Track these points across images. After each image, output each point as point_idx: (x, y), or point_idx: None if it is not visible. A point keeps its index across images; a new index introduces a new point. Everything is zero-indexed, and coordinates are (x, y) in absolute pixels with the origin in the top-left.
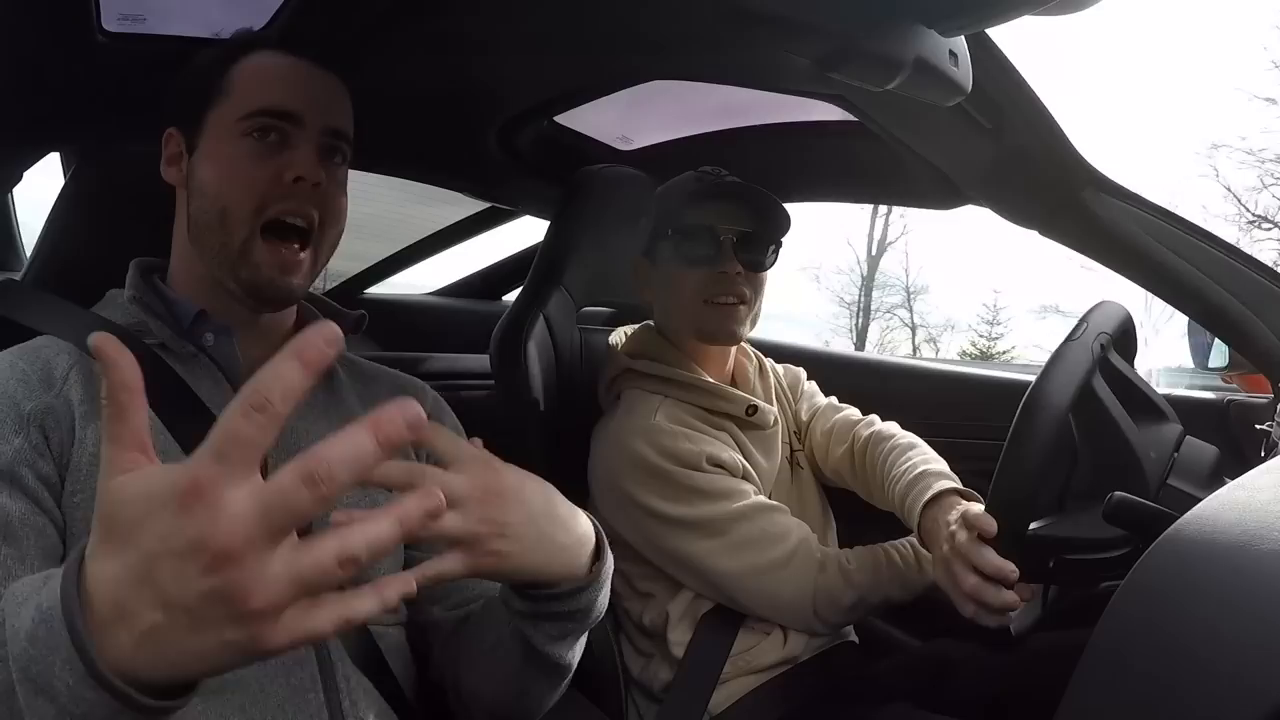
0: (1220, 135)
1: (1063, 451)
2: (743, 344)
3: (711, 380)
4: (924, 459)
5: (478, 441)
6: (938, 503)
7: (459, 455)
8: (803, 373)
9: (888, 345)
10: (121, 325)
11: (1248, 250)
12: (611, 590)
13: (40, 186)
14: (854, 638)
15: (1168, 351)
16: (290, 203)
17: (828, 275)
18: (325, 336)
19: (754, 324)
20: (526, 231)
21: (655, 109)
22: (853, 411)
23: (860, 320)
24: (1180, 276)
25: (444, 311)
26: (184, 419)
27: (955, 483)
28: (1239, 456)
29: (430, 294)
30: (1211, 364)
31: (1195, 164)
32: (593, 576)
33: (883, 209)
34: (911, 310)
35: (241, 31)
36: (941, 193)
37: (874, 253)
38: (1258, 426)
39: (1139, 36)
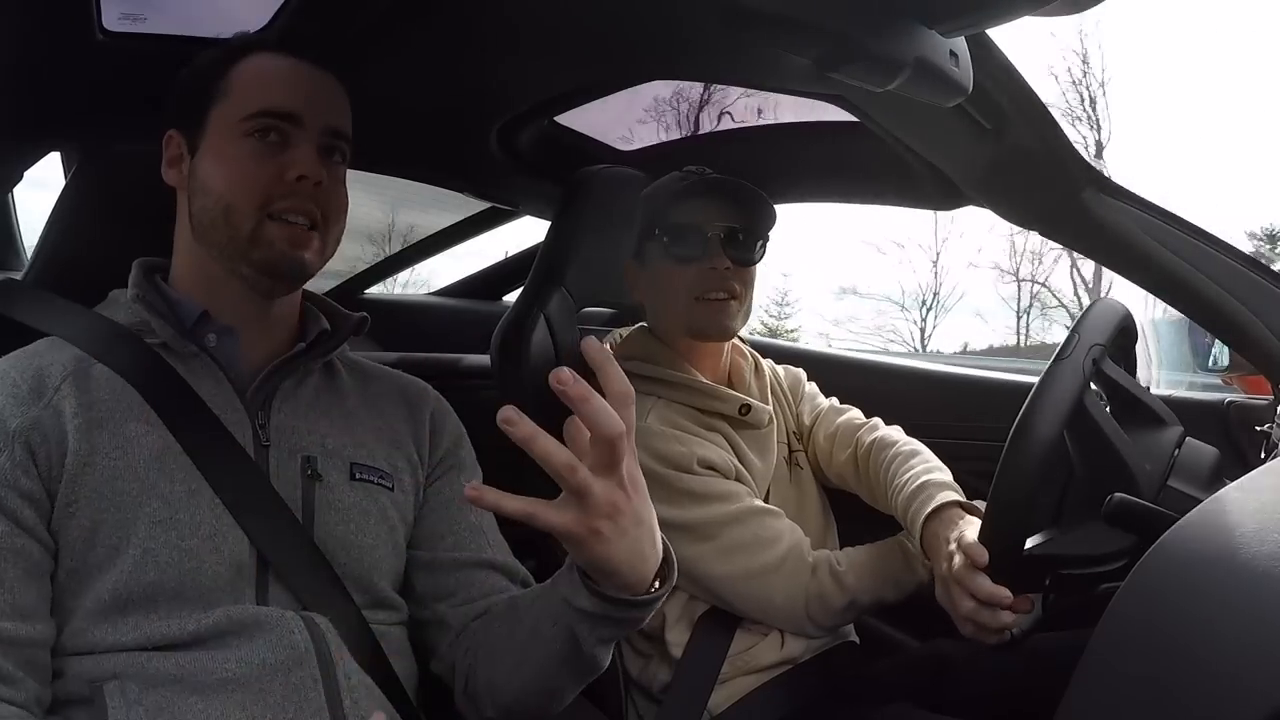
0: None
1: (1056, 468)
2: (739, 343)
3: (704, 380)
4: (926, 468)
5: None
6: (939, 516)
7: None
8: (803, 374)
9: None
10: (123, 325)
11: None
12: None
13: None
14: (854, 638)
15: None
16: (292, 201)
17: None
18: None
19: (745, 319)
20: (527, 231)
21: (655, 109)
22: (855, 414)
23: None
24: (1181, 277)
25: (445, 312)
26: (185, 418)
27: (957, 493)
28: (1239, 458)
29: (431, 294)
30: (1211, 365)
31: None
32: (661, 590)
33: None
34: None
35: (241, 33)
36: (942, 193)
37: None
38: (1258, 428)
39: None
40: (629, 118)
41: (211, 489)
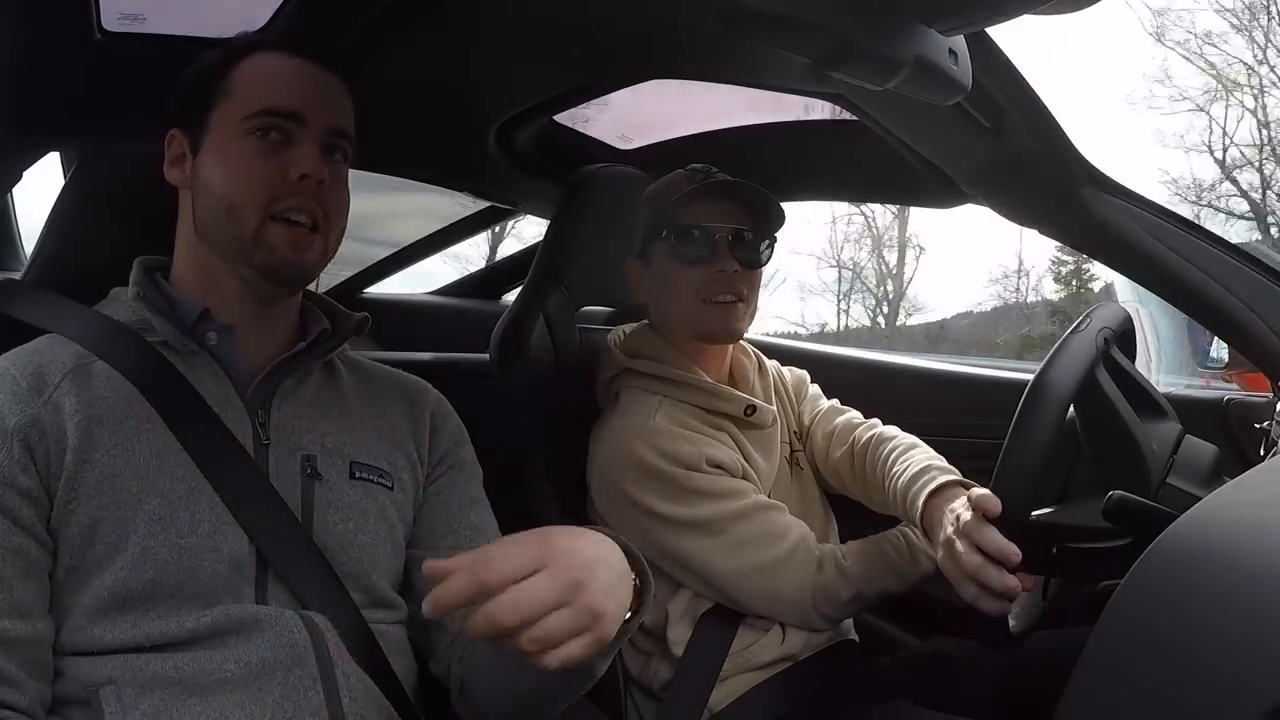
0: None
1: (1066, 442)
2: (741, 343)
3: (710, 380)
4: (926, 456)
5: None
6: (941, 493)
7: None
8: (807, 375)
9: None
10: (124, 323)
11: None
12: None
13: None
14: (854, 635)
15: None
16: (295, 200)
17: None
18: None
19: (751, 320)
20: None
21: (655, 108)
22: (855, 415)
23: None
24: (1180, 275)
25: (444, 311)
26: (185, 416)
27: (959, 476)
28: (1239, 455)
29: (431, 293)
30: (1210, 363)
31: None
32: (644, 599)
33: None
34: None
35: (242, 33)
36: (941, 192)
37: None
38: (1257, 425)
39: None
40: (629, 117)
41: (211, 487)
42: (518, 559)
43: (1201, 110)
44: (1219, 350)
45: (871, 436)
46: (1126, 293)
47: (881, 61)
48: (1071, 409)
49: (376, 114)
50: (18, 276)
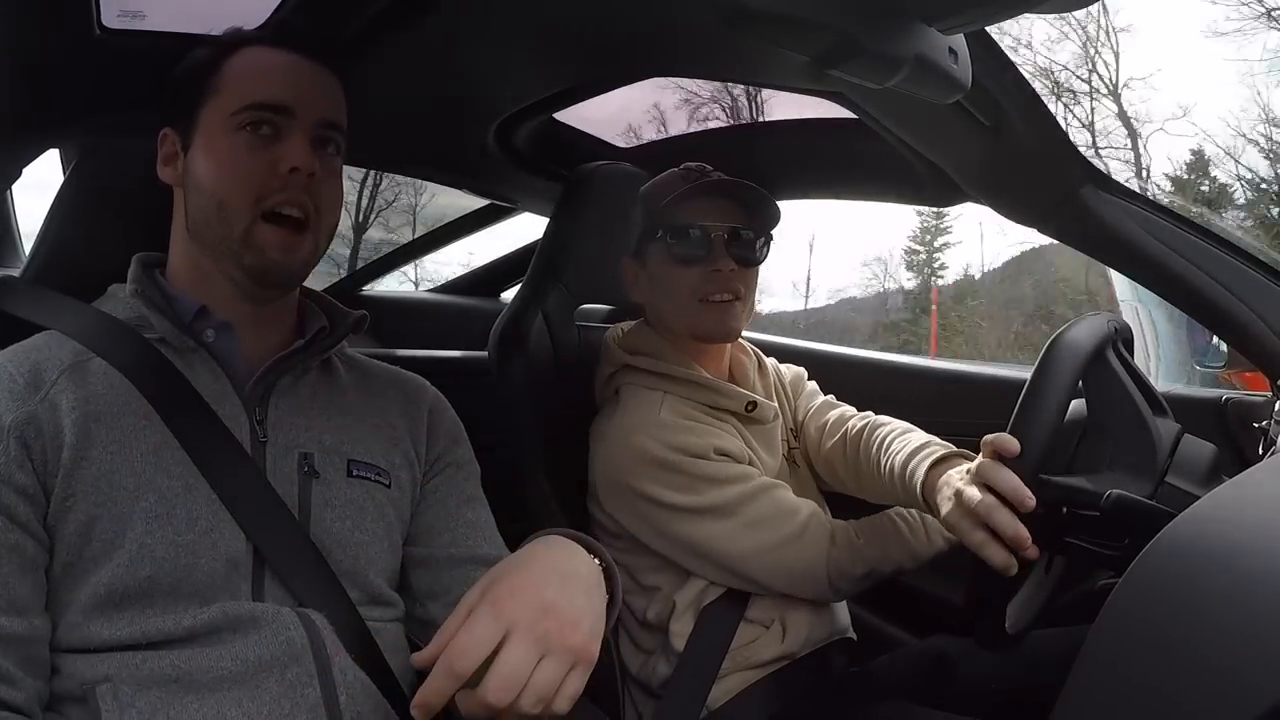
0: None
1: (1070, 428)
2: (740, 341)
3: (711, 376)
4: (923, 437)
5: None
6: (945, 462)
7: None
8: (804, 372)
9: None
10: (122, 320)
11: None
12: None
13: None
14: (852, 634)
15: None
16: (286, 194)
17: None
18: None
19: (748, 319)
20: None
21: (654, 106)
22: (849, 409)
23: None
24: (1180, 274)
25: (443, 309)
26: (182, 413)
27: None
28: (1237, 455)
29: (430, 291)
30: (1209, 362)
31: None
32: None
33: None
34: None
35: (233, 29)
36: (940, 190)
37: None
38: (1256, 425)
39: None
40: (628, 115)
41: (208, 484)
42: (483, 635)
43: None
44: (1218, 349)
45: (865, 424)
46: (1126, 292)
47: (881, 60)
48: (1080, 389)
49: (376, 111)
50: (16, 274)
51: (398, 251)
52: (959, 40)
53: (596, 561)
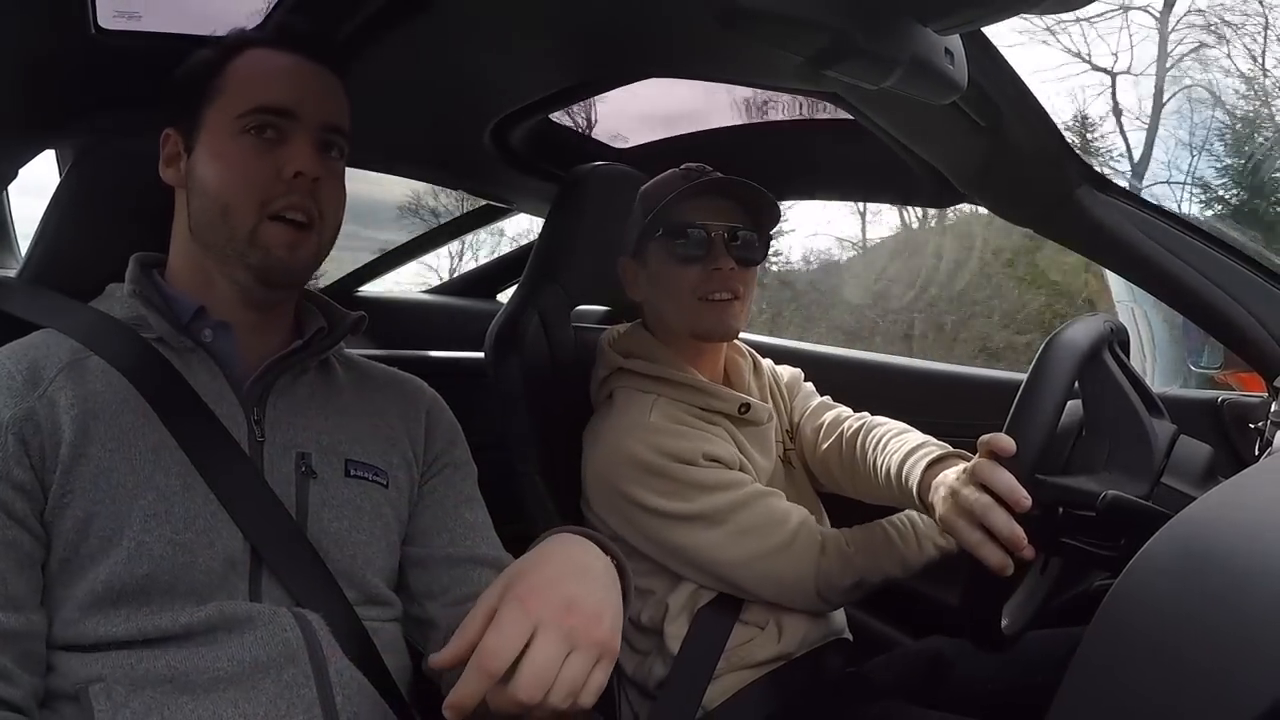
0: None
1: (1071, 421)
2: (736, 342)
3: (704, 379)
4: (920, 438)
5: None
6: (941, 462)
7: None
8: (800, 373)
9: None
10: (120, 319)
11: None
12: None
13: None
14: (847, 634)
15: None
16: (290, 198)
17: None
18: None
19: (747, 318)
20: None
21: (651, 106)
22: (845, 409)
23: None
24: (1176, 275)
25: (440, 310)
26: (180, 412)
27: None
28: (1233, 456)
29: (426, 292)
30: (1205, 363)
31: None
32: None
33: None
34: None
35: (235, 30)
36: (937, 191)
37: None
38: (1252, 426)
39: None
40: (624, 115)
41: (206, 483)
42: (513, 633)
43: None
44: (1214, 350)
45: (861, 425)
46: (1122, 293)
47: (877, 60)
48: (1076, 390)
49: (372, 111)
50: (13, 274)
51: (391, 254)
52: (955, 41)
53: (609, 557)
